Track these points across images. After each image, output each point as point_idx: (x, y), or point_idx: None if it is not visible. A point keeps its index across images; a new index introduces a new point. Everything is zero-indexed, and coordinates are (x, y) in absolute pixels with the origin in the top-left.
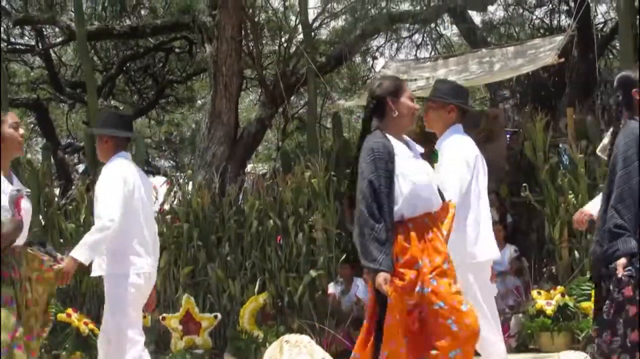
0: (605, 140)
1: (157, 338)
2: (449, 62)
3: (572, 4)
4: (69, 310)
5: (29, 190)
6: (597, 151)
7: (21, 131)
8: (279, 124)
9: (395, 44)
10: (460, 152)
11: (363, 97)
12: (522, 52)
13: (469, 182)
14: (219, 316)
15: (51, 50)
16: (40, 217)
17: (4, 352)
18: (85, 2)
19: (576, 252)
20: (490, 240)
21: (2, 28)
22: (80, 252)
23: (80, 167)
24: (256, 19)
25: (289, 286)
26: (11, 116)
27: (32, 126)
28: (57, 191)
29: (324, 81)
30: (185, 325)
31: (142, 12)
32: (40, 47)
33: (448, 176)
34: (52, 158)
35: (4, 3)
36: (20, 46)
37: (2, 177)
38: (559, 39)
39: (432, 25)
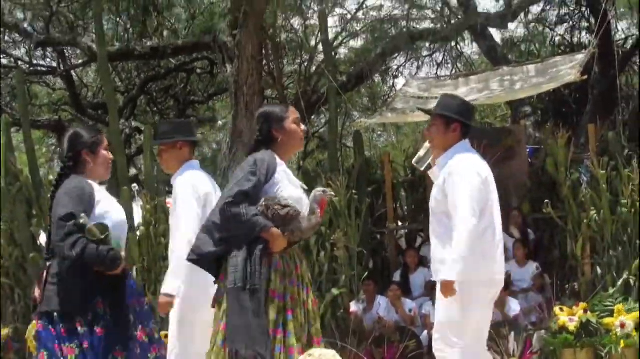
0: (422, 152)
1: None
2: (470, 80)
3: (592, 21)
4: None
5: (333, 193)
6: (413, 162)
7: (303, 126)
8: None
9: (416, 63)
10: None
11: (384, 116)
12: (544, 70)
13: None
14: None
15: (73, 72)
16: None
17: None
18: (107, 24)
19: (598, 269)
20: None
21: (24, 50)
22: None
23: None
24: (277, 39)
25: None
26: (293, 112)
27: (53, 147)
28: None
29: (345, 100)
30: None
31: (164, 33)
32: (62, 68)
33: None
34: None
35: (25, 25)
36: (42, 68)
37: (285, 170)
38: (580, 57)
39: (453, 43)
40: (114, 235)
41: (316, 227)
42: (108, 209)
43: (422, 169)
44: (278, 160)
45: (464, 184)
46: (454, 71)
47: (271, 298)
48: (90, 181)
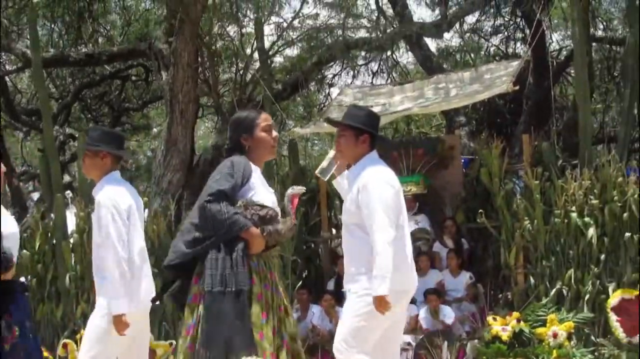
0: (325, 163)
1: None
2: (405, 88)
3: (527, 32)
4: None
5: (303, 188)
6: (316, 172)
7: (274, 133)
8: None
9: (352, 72)
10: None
11: (319, 125)
12: (479, 77)
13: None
14: (174, 343)
15: (7, 78)
16: None
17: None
18: (41, 30)
19: (532, 278)
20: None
21: None
22: None
23: (35, 195)
24: (213, 47)
25: None
26: (264, 119)
27: None
28: None
29: (280, 108)
30: None
31: (99, 39)
32: None
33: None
34: (7, 186)
35: None
36: None
37: (259, 176)
38: (515, 64)
39: (388, 52)
40: (5, 248)
41: (293, 229)
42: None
43: (326, 179)
44: (253, 166)
45: (378, 197)
46: (389, 80)
47: (258, 300)
48: None
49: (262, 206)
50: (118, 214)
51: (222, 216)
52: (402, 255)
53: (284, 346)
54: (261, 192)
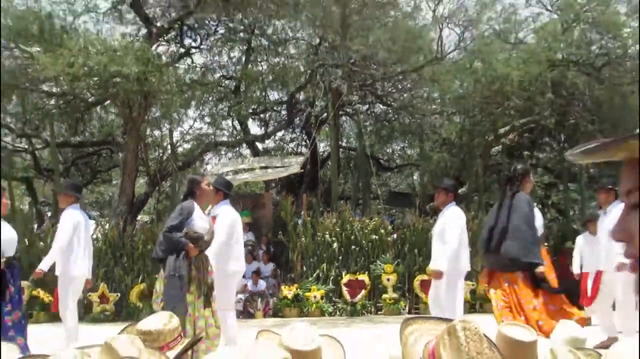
0: None
1: None
2: (250, 163)
3: (308, 141)
4: None
5: (218, 213)
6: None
7: (211, 187)
8: None
9: (219, 158)
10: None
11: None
12: (283, 164)
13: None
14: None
15: None
16: None
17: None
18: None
19: (304, 267)
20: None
21: None
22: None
23: None
24: (146, 140)
25: None
26: (206, 180)
27: None
28: None
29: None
30: None
31: (86, 132)
32: None
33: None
34: None
35: None
36: None
37: (198, 213)
38: (301, 159)
39: (236, 149)
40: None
41: (211, 234)
42: None
43: None
44: (195, 206)
45: (224, 221)
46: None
47: (193, 281)
48: None
49: (195, 232)
50: None
51: (173, 239)
52: (241, 250)
53: (212, 312)
54: (197, 222)
